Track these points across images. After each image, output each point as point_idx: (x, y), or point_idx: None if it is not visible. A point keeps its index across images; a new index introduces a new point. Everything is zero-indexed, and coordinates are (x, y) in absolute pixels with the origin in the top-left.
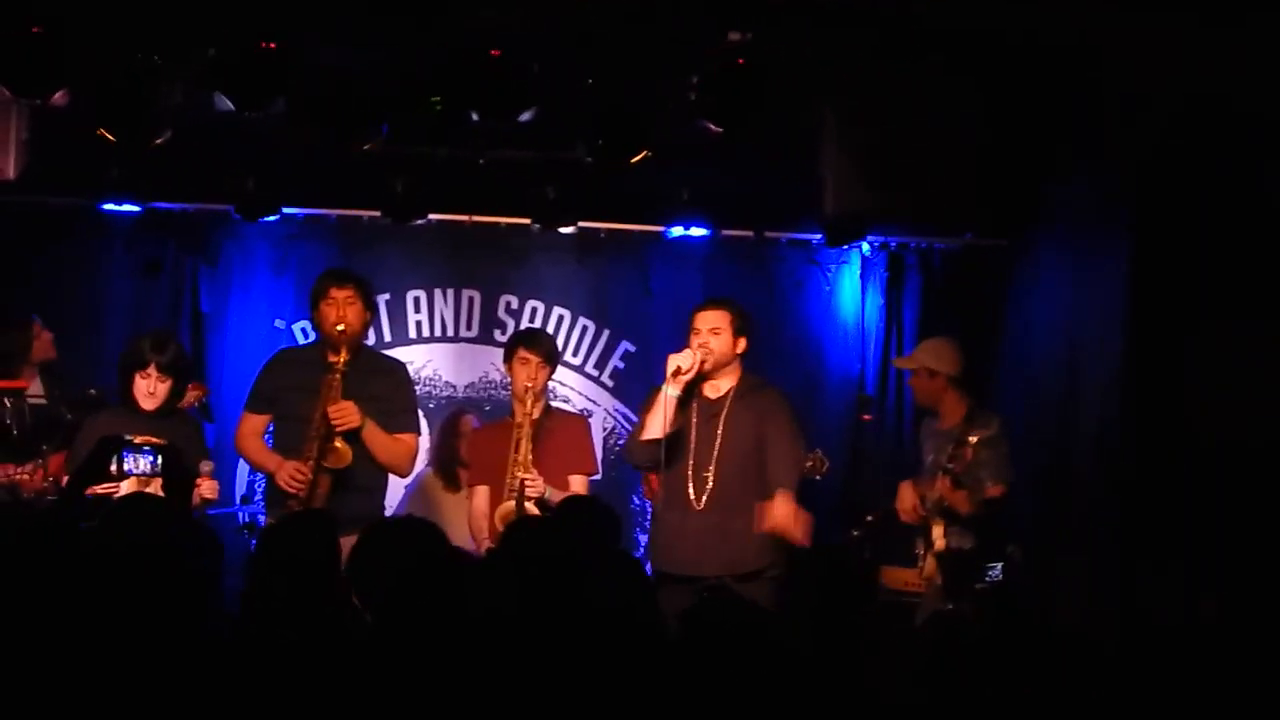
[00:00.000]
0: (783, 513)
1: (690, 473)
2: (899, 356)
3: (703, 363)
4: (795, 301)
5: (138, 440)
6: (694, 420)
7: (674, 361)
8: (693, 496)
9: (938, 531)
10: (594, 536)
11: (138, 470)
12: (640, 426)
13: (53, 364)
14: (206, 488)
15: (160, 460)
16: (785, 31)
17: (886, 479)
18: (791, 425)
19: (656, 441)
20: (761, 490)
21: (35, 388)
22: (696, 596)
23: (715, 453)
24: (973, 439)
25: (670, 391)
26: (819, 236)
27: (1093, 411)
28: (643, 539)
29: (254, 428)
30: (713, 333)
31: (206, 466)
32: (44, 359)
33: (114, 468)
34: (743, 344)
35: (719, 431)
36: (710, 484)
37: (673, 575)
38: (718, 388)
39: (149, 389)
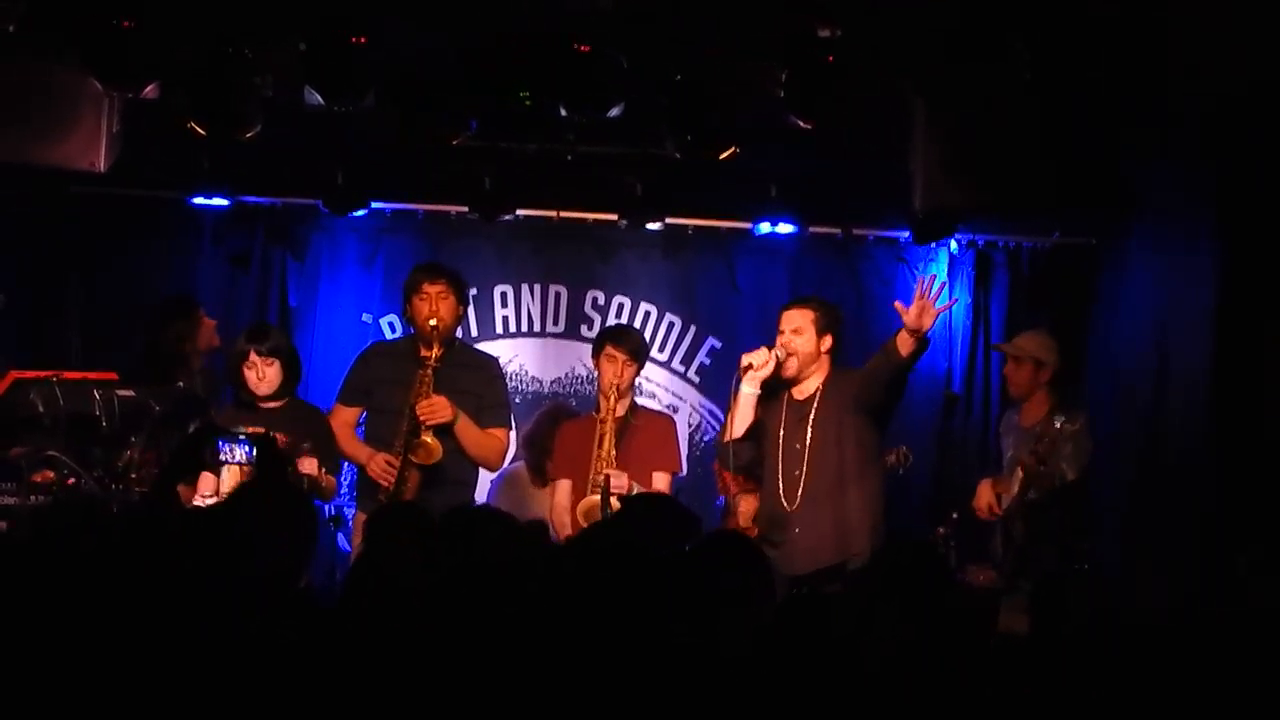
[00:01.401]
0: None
1: (781, 474)
2: (1004, 341)
3: (784, 363)
4: (882, 300)
5: (238, 431)
6: (782, 421)
7: (746, 358)
8: (784, 498)
9: (1020, 527)
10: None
11: (233, 460)
12: (725, 427)
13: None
14: (306, 465)
15: (256, 450)
16: (874, 26)
17: (972, 477)
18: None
19: (740, 441)
20: (851, 483)
21: (198, 384)
22: (788, 596)
23: (806, 453)
24: (1059, 423)
25: (745, 389)
26: (907, 234)
27: (1181, 411)
28: None
29: (346, 419)
30: (795, 332)
31: (307, 445)
32: (209, 347)
33: (209, 458)
34: (828, 342)
35: (809, 430)
36: (802, 484)
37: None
38: (804, 389)
39: (257, 376)
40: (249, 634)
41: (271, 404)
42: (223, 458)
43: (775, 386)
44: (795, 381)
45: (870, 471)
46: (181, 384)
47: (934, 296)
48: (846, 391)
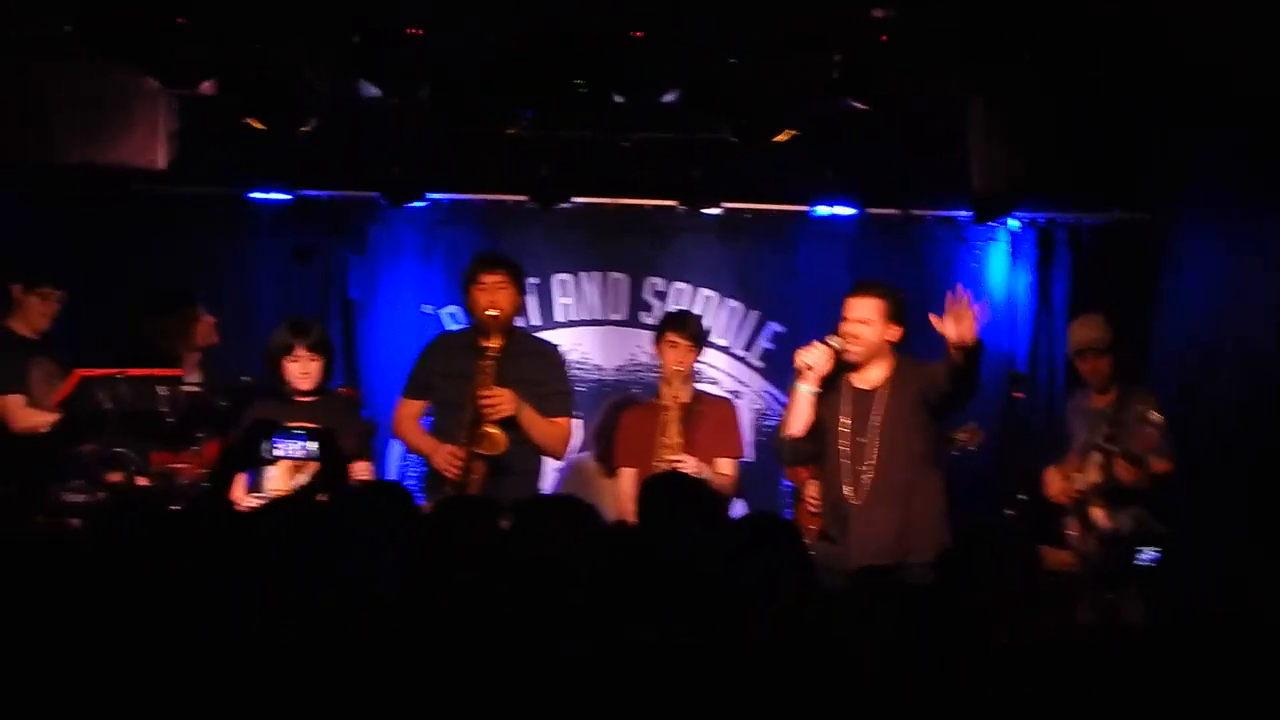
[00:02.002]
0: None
1: (843, 468)
2: (1081, 340)
3: (846, 353)
4: (944, 280)
5: (291, 424)
6: (843, 413)
7: (800, 358)
8: (849, 492)
9: (1099, 513)
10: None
11: (290, 454)
12: (782, 423)
13: (213, 351)
14: (361, 469)
15: (314, 445)
16: (930, 4)
17: (1038, 458)
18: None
19: (798, 439)
20: (917, 480)
21: (195, 375)
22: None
23: (877, 447)
24: (1154, 416)
25: (803, 388)
26: (967, 213)
27: (1243, 391)
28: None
29: (411, 412)
30: (861, 322)
31: (362, 466)
32: (206, 344)
33: (265, 452)
34: (895, 332)
35: (879, 423)
36: (870, 478)
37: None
38: (868, 379)
39: (301, 370)
40: (327, 636)
41: (307, 397)
42: (279, 452)
43: (834, 372)
44: (856, 368)
45: (936, 470)
46: (246, 377)
47: (964, 306)
48: (914, 386)
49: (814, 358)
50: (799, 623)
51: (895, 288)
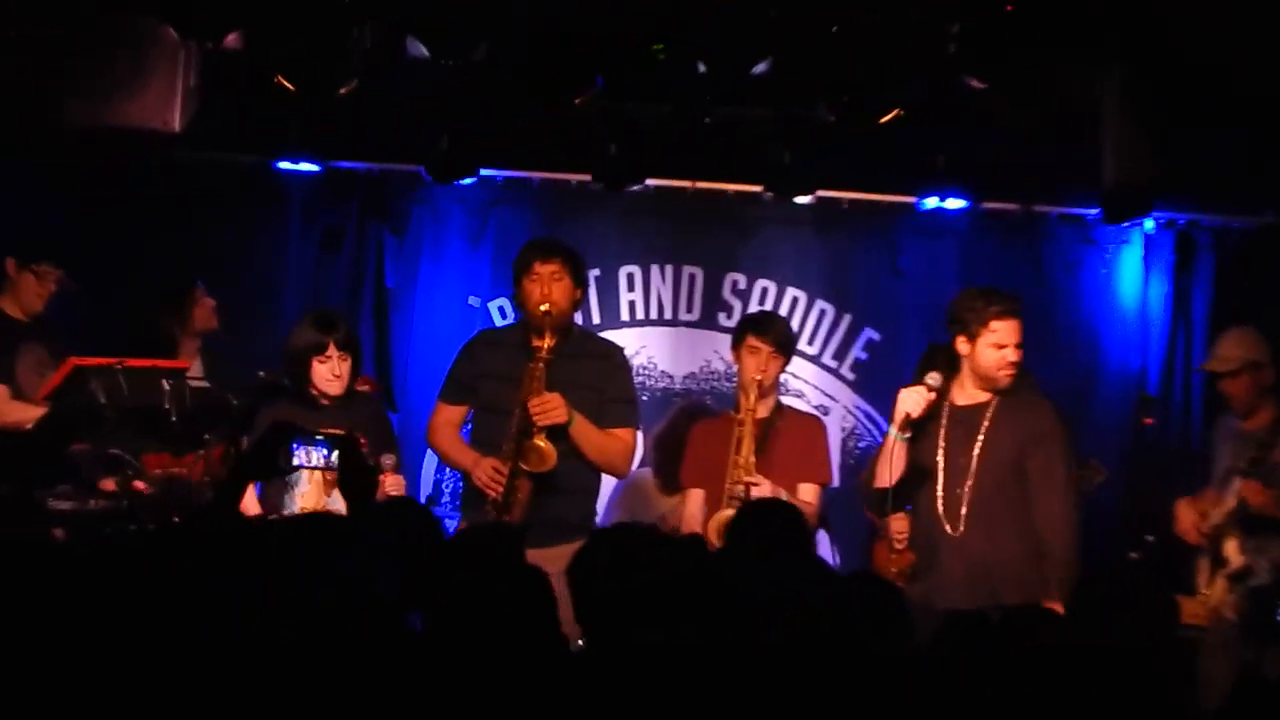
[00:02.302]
0: None
1: (941, 493)
2: (1210, 359)
3: (940, 391)
4: (1067, 286)
5: (316, 431)
6: (943, 430)
7: (902, 406)
8: (945, 520)
9: (1232, 547)
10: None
11: (310, 463)
12: (871, 472)
13: (216, 340)
14: (391, 484)
15: (336, 453)
16: None
17: (1170, 492)
18: (1065, 469)
19: (886, 491)
20: (1024, 508)
21: (195, 367)
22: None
23: (973, 467)
24: None
25: (900, 437)
26: (1096, 211)
27: None
28: None
29: (449, 419)
30: (1018, 348)
31: (389, 460)
32: (204, 329)
33: (283, 461)
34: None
35: (979, 440)
36: (966, 504)
37: (931, 610)
38: (973, 395)
39: (333, 371)
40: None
41: (328, 400)
42: (297, 461)
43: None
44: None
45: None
46: (263, 373)
47: None
48: (1024, 422)
49: (916, 406)
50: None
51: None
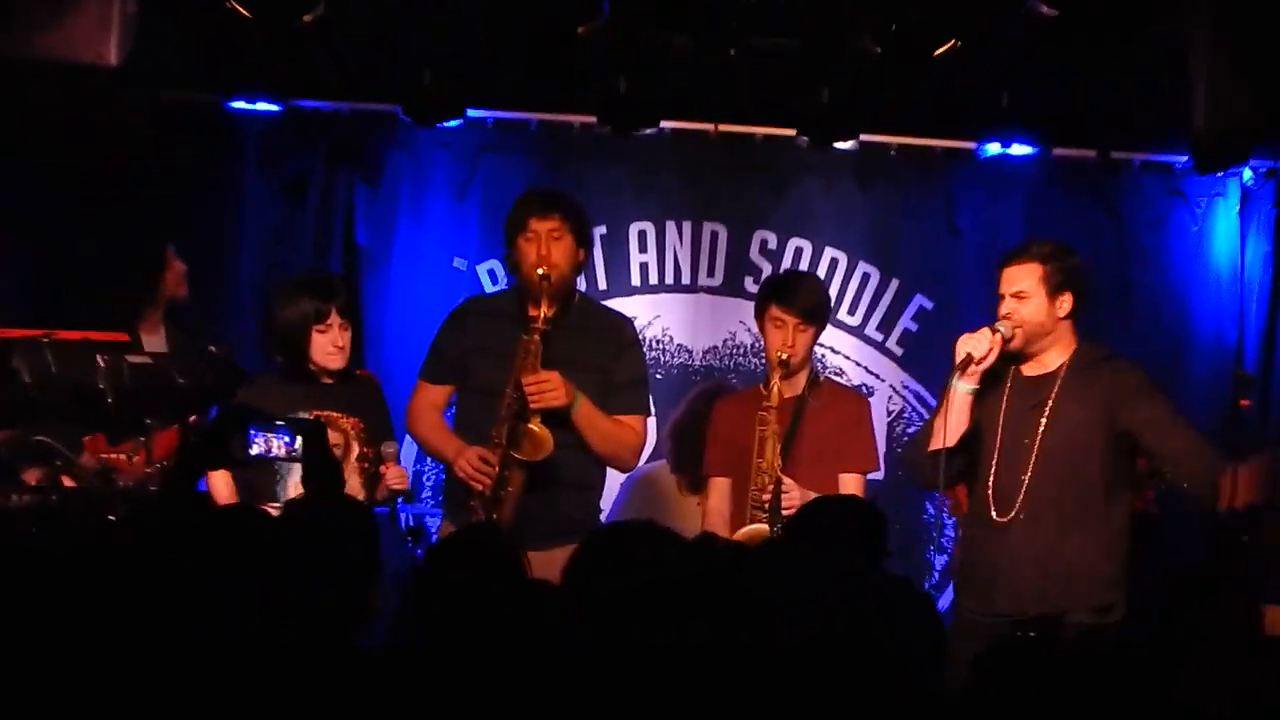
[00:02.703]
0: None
1: (995, 477)
2: None
3: (1008, 339)
4: (1151, 245)
5: (276, 416)
6: (1004, 408)
7: (963, 347)
8: (997, 509)
9: None
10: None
11: (271, 452)
12: (926, 431)
13: (179, 308)
14: (393, 476)
15: (299, 441)
16: None
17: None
18: (1174, 409)
19: (953, 451)
20: (1093, 504)
21: (157, 340)
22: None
23: (1035, 449)
24: None
25: (961, 387)
26: (1185, 159)
27: None
28: (939, 561)
29: (432, 400)
30: (1017, 296)
31: (390, 448)
32: (171, 297)
33: (237, 449)
34: (1065, 304)
35: (1043, 421)
36: (1025, 492)
37: (976, 613)
38: (1042, 363)
39: (334, 343)
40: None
41: (329, 378)
42: (256, 450)
43: (1000, 365)
44: (1024, 355)
45: (1118, 495)
46: (215, 348)
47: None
48: (1101, 390)
49: (979, 347)
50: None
51: (1061, 246)
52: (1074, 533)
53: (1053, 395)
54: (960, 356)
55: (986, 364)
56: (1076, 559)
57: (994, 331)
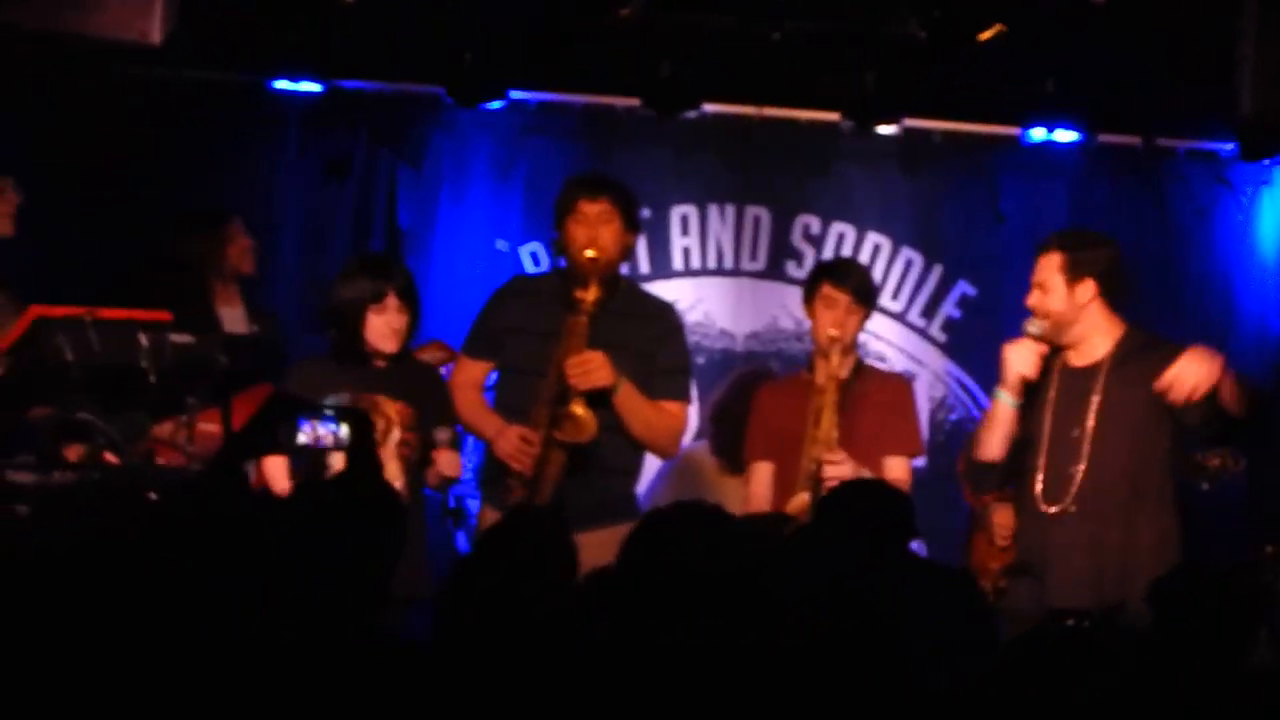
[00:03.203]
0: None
1: (1045, 467)
2: None
3: (1042, 337)
4: (1197, 234)
5: (322, 405)
6: (1052, 398)
7: (1014, 367)
8: (1046, 499)
9: None
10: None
11: (316, 441)
12: (975, 441)
13: (250, 288)
14: (445, 462)
15: (345, 430)
16: None
17: None
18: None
19: (993, 465)
20: (1148, 496)
21: (237, 316)
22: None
23: (1087, 440)
24: None
25: (1005, 400)
26: (1231, 146)
27: None
28: None
29: (471, 377)
30: (1039, 287)
31: (444, 435)
32: (237, 273)
33: (285, 438)
34: (1086, 291)
35: (1092, 411)
36: (1078, 482)
37: (1026, 603)
38: (1087, 352)
39: (390, 325)
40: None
41: (382, 361)
42: (302, 438)
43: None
44: (1067, 346)
45: (1169, 483)
46: (257, 328)
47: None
48: (1148, 374)
49: (1028, 363)
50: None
51: (1085, 234)
52: (1129, 523)
53: (1100, 384)
54: (1012, 377)
55: (1032, 374)
56: (1131, 550)
57: (1033, 339)
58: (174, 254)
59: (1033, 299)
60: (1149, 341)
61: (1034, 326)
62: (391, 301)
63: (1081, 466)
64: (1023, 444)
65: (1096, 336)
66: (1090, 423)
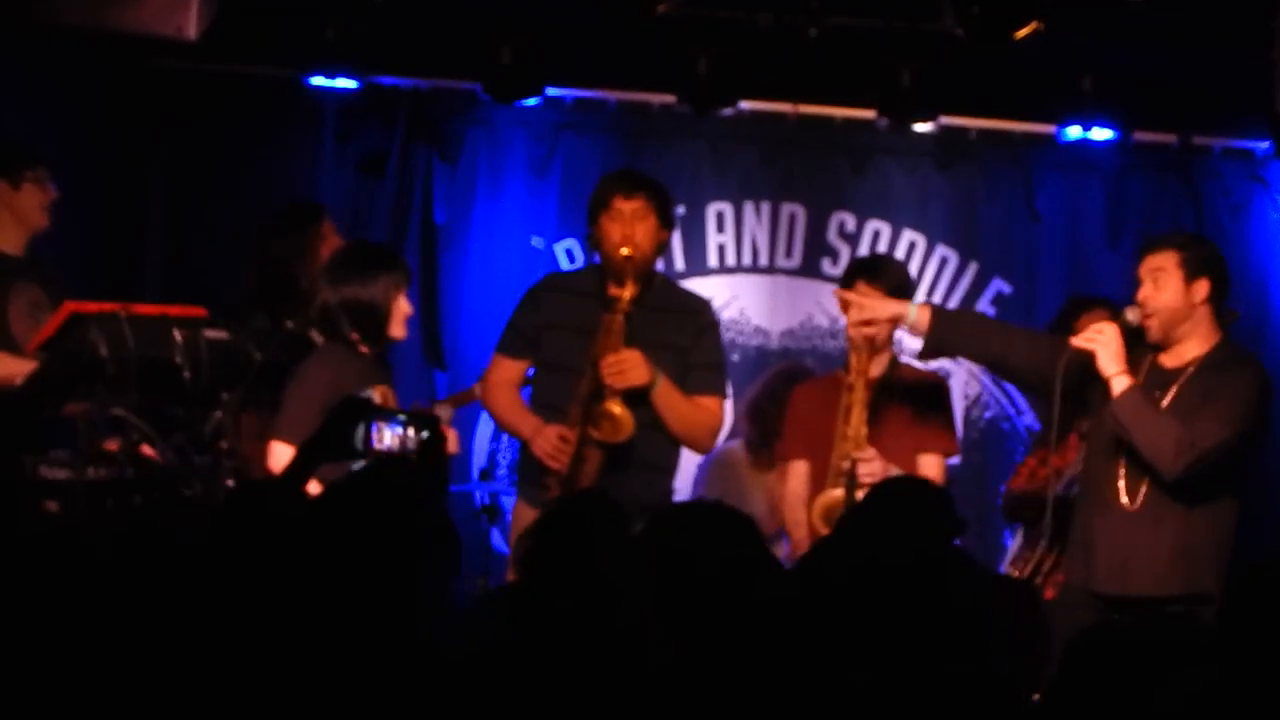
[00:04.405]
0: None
1: (1126, 462)
2: None
3: (1133, 327)
4: (1232, 232)
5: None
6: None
7: (1085, 342)
8: (1124, 492)
9: None
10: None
11: (385, 445)
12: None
13: None
14: (450, 439)
15: (417, 433)
16: None
17: None
18: (1234, 406)
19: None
20: (1211, 489)
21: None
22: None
23: None
24: None
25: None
26: (1267, 144)
27: None
28: (1011, 544)
29: (507, 376)
30: (1153, 280)
31: (445, 412)
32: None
33: (359, 442)
34: (1202, 289)
35: (1168, 407)
36: (1149, 480)
37: (1082, 594)
38: (1179, 354)
39: (405, 314)
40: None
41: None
42: (375, 442)
43: (1135, 346)
44: (1165, 344)
45: (1229, 485)
46: (291, 323)
47: None
48: (1221, 383)
49: (1108, 343)
50: None
51: (1199, 236)
52: (1190, 523)
53: (1178, 385)
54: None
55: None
56: (1191, 552)
57: (1124, 320)
58: (267, 252)
59: (1144, 292)
60: (1234, 355)
61: (1133, 315)
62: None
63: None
64: (1107, 437)
65: (1195, 339)
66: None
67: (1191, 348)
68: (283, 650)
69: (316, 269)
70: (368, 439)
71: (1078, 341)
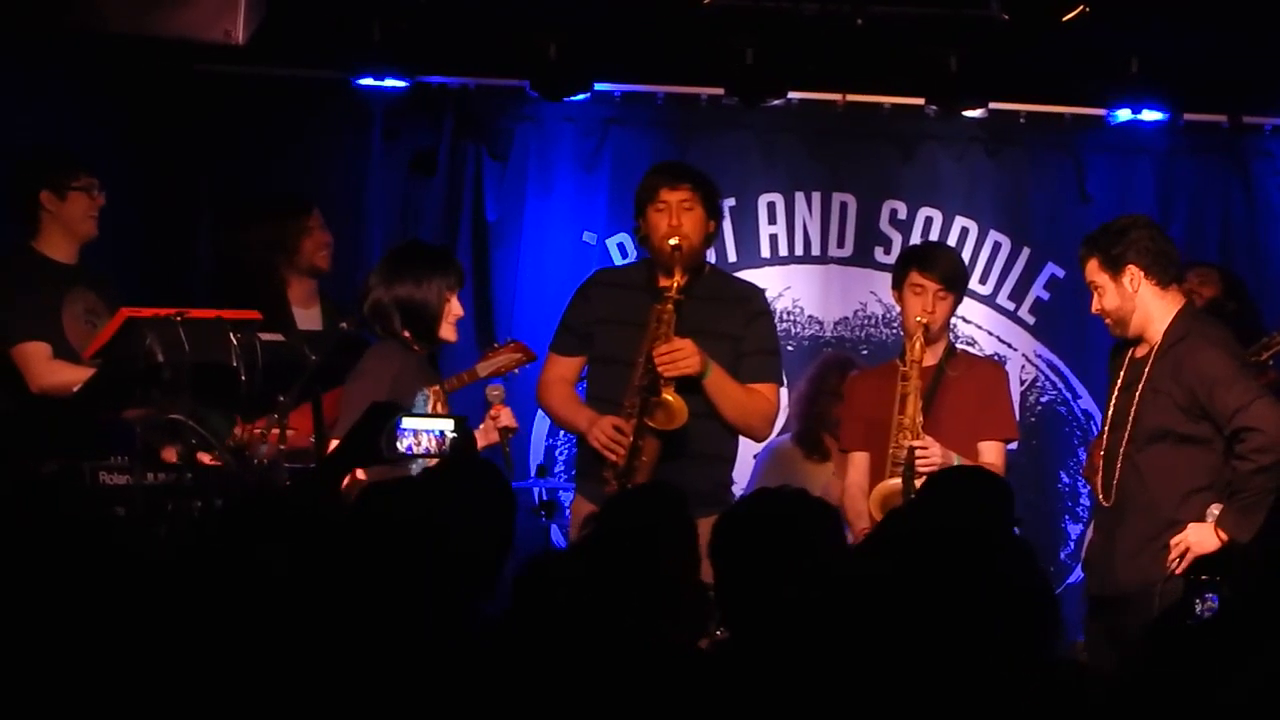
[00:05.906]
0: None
1: (1104, 461)
2: None
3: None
4: None
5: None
6: (1116, 389)
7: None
8: (1101, 489)
9: None
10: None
11: (418, 450)
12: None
13: (325, 281)
14: (507, 415)
15: (450, 438)
16: None
17: None
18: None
19: None
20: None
21: (311, 313)
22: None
23: (1127, 433)
24: None
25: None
26: None
27: None
28: (1074, 531)
29: (562, 373)
30: (1095, 294)
31: (496, 392)
32: (310, 267)
33: (387, 446)
34: (1133, 277)
35: (1134, 401)
36: (1118, 476)
37: (1093, 595)
38: (1149, 340)
39: (457, 316)
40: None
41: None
42: (404, 447)
43: (1123, 348)
44: (1138, 338)
45: (1198, 500)
46: (345, 324)
47: None
48: (1188, 372)
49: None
50: None
51: (1107, 226)
52: (1142, 523)
53: (1144, 377)
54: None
55: None
56: (1130, 555)
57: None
58: (248, 239)
59: (1094, 306)
60: (1189, 324)
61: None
62: (455, 299)
63: (1120, 460)
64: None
65: (1154, 323)
66: (1133, 410)
67: (1153, 332)
68: (306, 651)
69: (297, 260)
70: (393, 443)
71: None
